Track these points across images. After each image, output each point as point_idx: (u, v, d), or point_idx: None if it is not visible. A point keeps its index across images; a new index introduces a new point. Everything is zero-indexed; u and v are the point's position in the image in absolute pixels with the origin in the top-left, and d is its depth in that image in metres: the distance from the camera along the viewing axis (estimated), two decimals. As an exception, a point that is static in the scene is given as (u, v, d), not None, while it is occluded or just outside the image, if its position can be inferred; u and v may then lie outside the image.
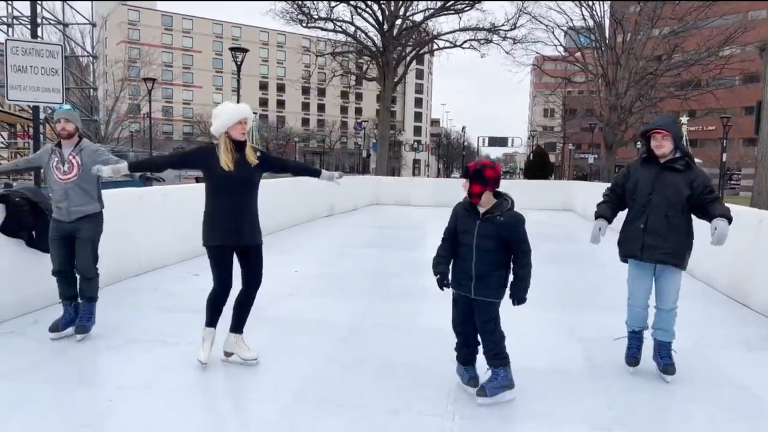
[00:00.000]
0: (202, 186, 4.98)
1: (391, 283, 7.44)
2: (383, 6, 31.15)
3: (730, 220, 3.84)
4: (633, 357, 4.33)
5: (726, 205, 4.03)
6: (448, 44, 33.42)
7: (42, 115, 16.62)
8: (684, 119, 43.44)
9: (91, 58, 31.31)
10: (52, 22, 24.15)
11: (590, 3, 32.64)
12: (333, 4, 31.26)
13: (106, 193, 5.05)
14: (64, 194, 4.69)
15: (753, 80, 50.53)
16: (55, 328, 4.77)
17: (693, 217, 4.11)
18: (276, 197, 10.39)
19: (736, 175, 54.90)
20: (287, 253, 9.20)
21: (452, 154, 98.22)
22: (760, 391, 4.09)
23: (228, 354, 4.35)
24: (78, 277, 4.85)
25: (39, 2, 20.67)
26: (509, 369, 3.75)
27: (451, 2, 32.05)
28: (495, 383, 3.71)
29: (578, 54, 35.63)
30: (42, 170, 4.81)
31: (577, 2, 32.66)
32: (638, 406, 3.85)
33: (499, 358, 3.73)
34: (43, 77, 8.18)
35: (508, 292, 3.68)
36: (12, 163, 5.85)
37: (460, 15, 32.37)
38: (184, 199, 8.52)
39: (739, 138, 55.93)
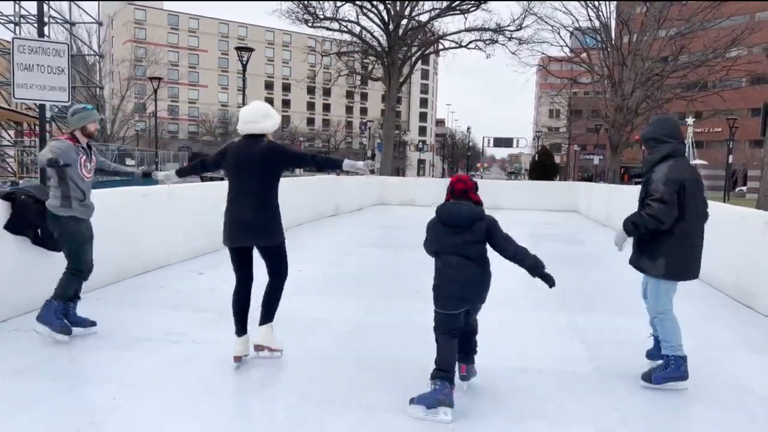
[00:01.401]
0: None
1: (396, 283, 7.43)
2: (389, 6, 31.16)
3: (626, 226, 4.02)
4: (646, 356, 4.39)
5: (640, 210, 3.98)
6: (453, 44, 33.47)
7: (48, 114, 16.68)
8: (690, 120, 43.32)
9: (97, 57, 31.47)
10: (59, 20, 24.27)
11: (596, 3, 32.63)
12: (339, 4, 31.31)
13: (110, 192, 5.08)
14: (89, 192, 4.81)
15: (760, 82, 50.40)
16: (68, 330, 4.70)
17: (688, 221, 3.97)
18: (281, 197, 10.39)
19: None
20: (292, 252, 9.13)
21: (457, 155, 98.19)
22: (764, 394, 4.07)
23: (259, 347, 4.36)
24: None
25: (46, 1, 20.73)
26: (446, 385, 3.51)
27: (457, 2, 32.05)
28: (426, 393, 3.56)
29: (584, 55, 35.61)
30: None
31: (582, 3, 32.65)
32: (642, 407, 3.83)
33: (436, 368, 3.60)
34: (49, 76, 8.20)
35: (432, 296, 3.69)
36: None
37: (466, 15, 32.40)
38: (189, 199, 8.55)
39: (746, 140, 55.69)
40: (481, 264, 3.65)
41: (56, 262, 5.28)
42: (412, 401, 3.56)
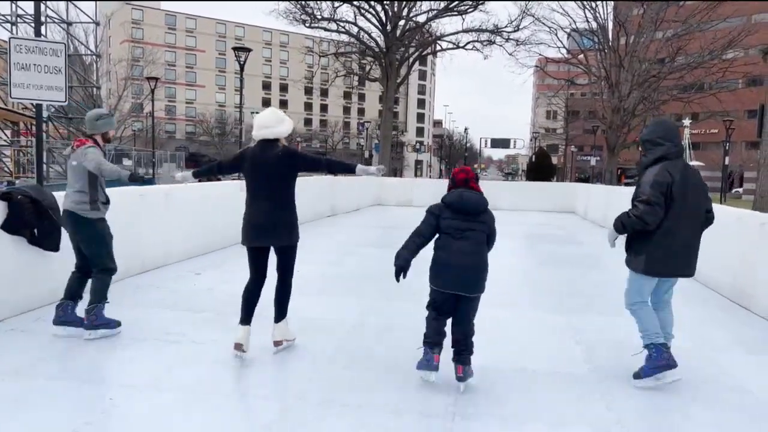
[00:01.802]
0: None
1: (395, 283, 7.40)
2: (386, 7, 31.18)
3: (616, 225, 4.16)
4: None
5: (628, 211, 4.07)
6: (451, 45, 33.48)
7: (45, 114, 16.64)
8: (687, 122, 43.36)
9: (94, 56, 31.34)
10: (56, 20, 24.20)
11: (594, 5, 32.60)
12: (336, 4, 31.33)
13: (108, 192, 5.06)
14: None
15: (756, 83, 50.54)
16: (119, 322, 4.91)
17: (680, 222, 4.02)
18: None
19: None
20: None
21: (454, 156, 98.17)
22: (761, 395, 4.09)
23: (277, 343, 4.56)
24: (85, 273, 4.91)
25: (43, 1, 20.72)
26: (428, 351, 3.94)
27: (455, 3, 32.07)
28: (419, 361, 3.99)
29: (581, 56, 35.59)
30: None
31: (580, 4, 32.64)
32: (639, 408, 3.85)
33: (423, 339, 4.02)
34: (46, 75, 8.16)
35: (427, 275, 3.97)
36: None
37: (464, 16, 32.43)
38: (187, 199, 8.54)
39: (742, 141, 55.78)
40: (480, 251, 3.84)
41: (53, 263, 5.30)
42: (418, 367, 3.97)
